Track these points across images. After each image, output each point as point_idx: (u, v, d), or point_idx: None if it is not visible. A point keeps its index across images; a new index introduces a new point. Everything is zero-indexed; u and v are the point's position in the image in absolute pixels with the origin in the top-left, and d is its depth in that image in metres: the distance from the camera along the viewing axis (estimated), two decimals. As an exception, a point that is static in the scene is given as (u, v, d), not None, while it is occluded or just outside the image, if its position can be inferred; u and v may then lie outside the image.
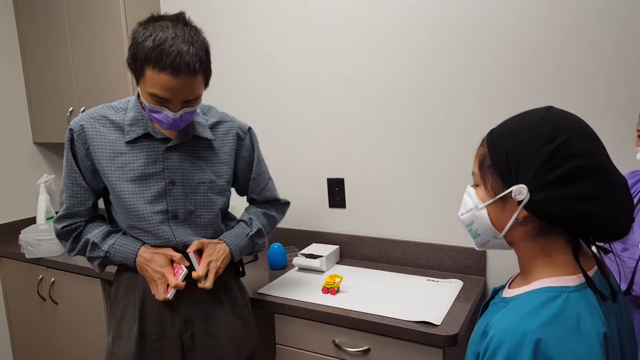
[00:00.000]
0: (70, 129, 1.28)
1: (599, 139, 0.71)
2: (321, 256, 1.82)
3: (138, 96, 1.29)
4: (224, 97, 2.15)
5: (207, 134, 1.34)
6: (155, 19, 1.15)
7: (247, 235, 1.42)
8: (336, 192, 1.98)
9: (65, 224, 1.34)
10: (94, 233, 1.33)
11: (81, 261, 2.13)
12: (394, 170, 1.86)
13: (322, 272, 1.82)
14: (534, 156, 0.69)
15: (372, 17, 1.79)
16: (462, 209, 0.82)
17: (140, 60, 1.13)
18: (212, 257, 1.31)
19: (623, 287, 1.16)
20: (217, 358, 1.38)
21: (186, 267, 1.28)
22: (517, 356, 0.63)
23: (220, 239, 1.38)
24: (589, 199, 0.68)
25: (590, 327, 0.64)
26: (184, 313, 1.35)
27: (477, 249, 0.84)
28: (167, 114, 1.18)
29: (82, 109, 2.34)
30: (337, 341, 1.48)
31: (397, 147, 1.84)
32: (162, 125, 1.22)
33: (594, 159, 0.68)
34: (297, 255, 1.87)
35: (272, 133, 2.07)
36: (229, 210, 1.51)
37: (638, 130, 1.16)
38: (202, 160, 1.34)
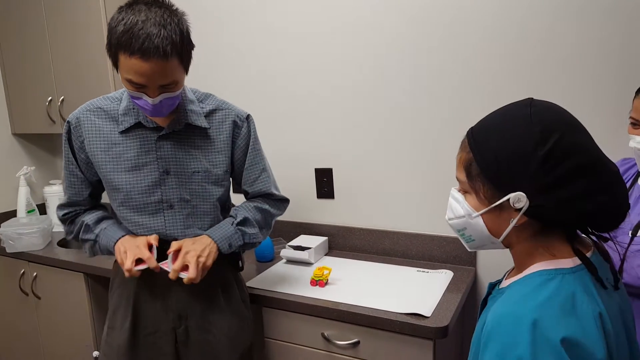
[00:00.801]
0: (68, 122, 1.29)
1: (586, 130, 0.69)
2: (309, 248, 1.79)
3: None
4: (209, 86, 2.09)
5: (201, 122, 1.31)
6: (131, 3, 1.11)
7: (232, 224, 1.35)
8: (324, 183, 1.95)
9: (66, 211, 1.38)
10: (90, 216, 1.36)
11: (64, 255, 2.09)
12: (383, 160, 1.83)
13: (311, 264, 1.79)
14: (528, 161, 0.65)
15: (358, 8, 1.75)
16: (450, 214, 0.78)
17: (113, 45, 1.10)
18: (188, 248, 1.25)
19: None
20: (211, 354, 1.36)
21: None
22: (515, 339, 0.62)
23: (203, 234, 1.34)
24: (589, 195, 0.65)
25: (587, 307, 0.63)
26: (178, 308, 1.33)
27: (469, 250, 0.81)
28: (147, 100, 1.15)
29: (62, 98, 2.27)
30: (326, 334, 1.46)
31: (386, 136, 1.81)
32: (145, 112, 1.19)
33: (587, 154, 0.66)
34: (284, 247, 1.84)
35: (258, 123, 2.02)
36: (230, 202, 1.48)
37: (631, 118, 1.14)
38: (197, 149, 1.31)
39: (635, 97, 1.11)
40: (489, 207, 0.71)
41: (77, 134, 1.28)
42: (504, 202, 0.68)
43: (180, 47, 1.12)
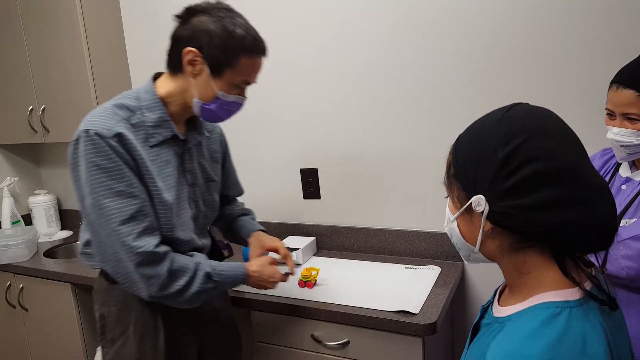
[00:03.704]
0: (118, 134, 1.07)
1: (569, 138, 0.63)
2: (297, 249, 1.79)
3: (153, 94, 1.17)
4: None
5: (207, 132, 1.33)
6: (218, 8, 1.14)
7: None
8: (310, 183, 1.95)
9: (156, 241, 1.10)
10: (199, 259, 1.18)
11: (50, 266, 2.07)
12: (368, 159, 1.83)
13: (299, 264, 1.79)
14: (489, 163, 0.63)
15: (338, 5, 1.75)
16: (445, 221, 0.75)
17: (234, 48, 1.11)
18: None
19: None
20: None
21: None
22: None
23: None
24: (554, 207, 0.60)
25: (598, 348, 0.59)
26: (197, 346, 1.33)
27: (466, 262, 0.77)
28: (242, 98, 1.20)
29: (42, 107, 2.24)
30: (315, 335, 1.46)
31: (370, 134, 1.80)
32: (228, 114, 1.21)
33: (555, 161, 0.60)
34: (273, 249, 1.83)
35: (242, 124, 2.02)
36: None
37: (607, 109, 1.15)
38: (206, 159, 1.32)
39: (609, 89, 1.12)
40: (459, 211, 0.69)
41: (127, 149, 1.08)
42: (468, 205, 0.66)
43: None
